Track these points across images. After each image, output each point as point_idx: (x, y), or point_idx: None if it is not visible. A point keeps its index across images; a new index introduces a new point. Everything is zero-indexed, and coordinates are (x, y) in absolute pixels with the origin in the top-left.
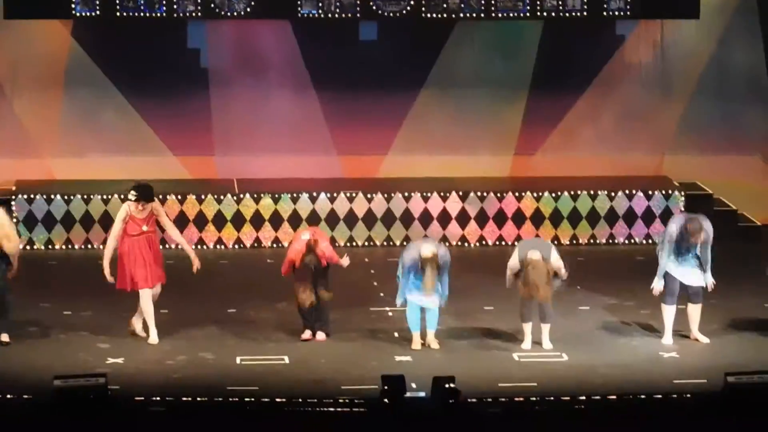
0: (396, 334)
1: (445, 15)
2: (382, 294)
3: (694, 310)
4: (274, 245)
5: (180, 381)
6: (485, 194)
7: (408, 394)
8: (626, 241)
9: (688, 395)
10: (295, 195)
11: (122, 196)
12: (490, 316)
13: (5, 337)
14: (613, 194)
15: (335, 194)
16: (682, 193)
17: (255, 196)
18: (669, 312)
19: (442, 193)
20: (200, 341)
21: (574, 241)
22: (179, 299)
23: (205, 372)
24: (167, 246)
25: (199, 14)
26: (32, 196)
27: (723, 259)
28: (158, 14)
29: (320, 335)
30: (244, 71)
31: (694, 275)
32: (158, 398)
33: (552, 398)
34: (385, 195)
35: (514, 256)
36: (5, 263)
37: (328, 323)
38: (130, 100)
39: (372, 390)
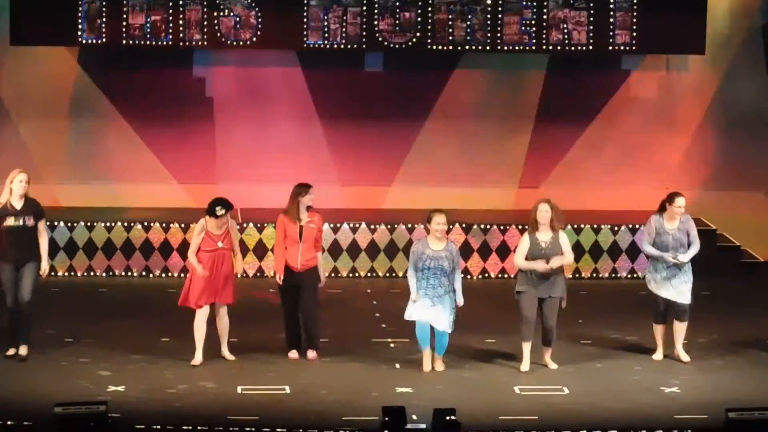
0: (397, 365)
1: (450, 47)
2: (384, 325)
3: (680, 328)
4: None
5: (181, 410)
6: (489, 227)
7: (409, 426)
8: (629, 276)
9: (689, 431)
10: None
11: (126, 224)
12: (492, 348)
13: (24, 350)
14: (616, 228)
15: (338, 225)
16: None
17: (258, 225)
18: (659, 330)
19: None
20: (202, 370)
21: (577, 275)
22: (180, 328)
23: (206, 401)
24: (169, 274)
25: (205, 43)
26: None
27: (725, 295)
28: (164, 43)
29: (311, 353)
30: (249, 101)
31: (680, 293)
32: (158, 427)
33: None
34: (389, 226)
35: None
36: (34, 268)
37: (316, 340)
38: (135, 127)
39: (373, 421)
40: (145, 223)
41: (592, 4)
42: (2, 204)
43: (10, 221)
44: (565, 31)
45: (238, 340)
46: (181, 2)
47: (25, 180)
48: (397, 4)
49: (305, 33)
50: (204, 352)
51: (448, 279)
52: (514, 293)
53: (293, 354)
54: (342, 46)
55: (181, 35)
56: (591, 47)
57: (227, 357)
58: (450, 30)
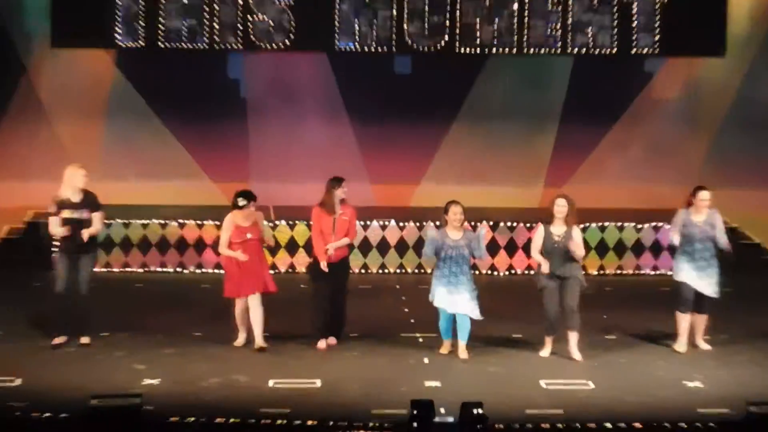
0: (426, 360)
1: (478, 50)
2: (412, 320)
3: (701, 320)
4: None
5: (213, 403)
6: (515, 224)
7: (437, 419)
8: (652, 272)
9: (712, 424)
10: None
11: (161, 221)
12: (518, 342)
13: (86, 340)
14: (640, 226)
15: (368, 222)
16: None
17: (290, 222)
18: (683, 320)
19: (472, 223)
20: (234, 364)
21: (602, 271)
22: (213, 322)
23: (238, 394)
24: (203, 270)
25: (240, 46)
26: None
27: (746, 291)
28: (200, 45)
29: (331, 339)
30: (282, 101)
31: (705, 285)
32: (192, 419)
33: (578, 426)
34: (417, 223)
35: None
36: (91, 260)
37: (339, 329)
38: (170, 127)
39: (402, 414)
40: (180, 220)
41: (615, 9)
42: (61, 197)
43: (66, 213)
44: (590, 34)
45: (270, 334)
46: (216, 6)
47: (85, 174)
48: (426, 8)
49: (336, 36)
50: (245, 335)
51: (468, 266)
52: (538, 290)
53: (321, 344)
54: (372, 49)
55: (216, 38)
56: (614, 50)
57: (262, 345)
58: (477, 33)
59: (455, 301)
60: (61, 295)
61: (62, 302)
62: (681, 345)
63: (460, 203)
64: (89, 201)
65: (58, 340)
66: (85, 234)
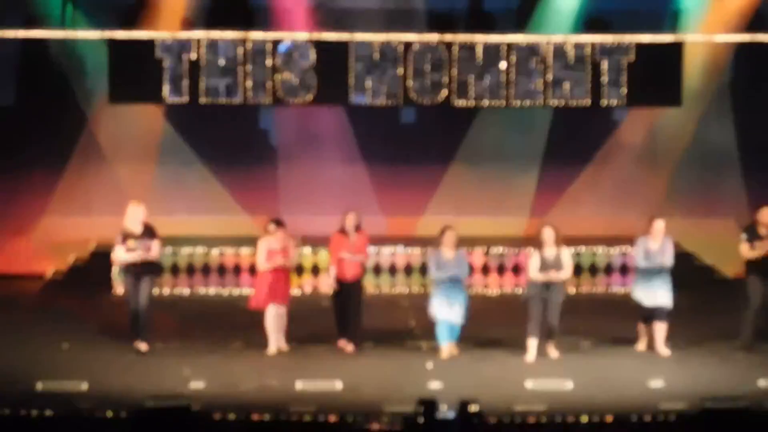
0: (429, 364)
1: (471, 102)
2: (418, 332)
3: (661, 328)
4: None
5: (250, 402)
6: (504, 250)
7: (440, 415)
8: (621, 289)
9: (672, 417)
10: None
11: (205, 249)
12: (507, 349)
13: (143, 347)
14: (609, 251)
15: (381, 248)
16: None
17: (314, 249)
18: (642, 328)
19: (468, 249)
20: (267, 368)
21: (578, 290)
22: (251, 335)
23: (271, 394)
24: (240, 291)
25: (270, 101)
26: None
27: (700, 305)
28: (235, 101)
29: (349, 347)
30: (306, 147)
31: (660, 297)
32: (233, 416)
33: (559, 419)
34: (422, 249)
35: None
36: (152, 279)
37: (357, 337)
38: (212, 170)
39: (409, 411)
40: (220, 249)
41: (588, 67)
42: (126, 229)
43: (131, 243)
44: (567, 88)
45: (298, 344)
46: (249, 67)
47: (145, 209)
48: (428, 67)
49: (352, 91)
50: (276, 345)
51: (461, 281)
52: (522, 300)
53: (342, 342)
54: (382, 103)
55: (249, 94)
56: (588, 102)
57: (283, 348)
58: (471, 89)
59: (451, 308)
60: (133, 311)
61: (133, 317)
62: (641, 345)
63: (453, 228)
64: (149, 232)
65: (142, 347)
66: (146, 254)
